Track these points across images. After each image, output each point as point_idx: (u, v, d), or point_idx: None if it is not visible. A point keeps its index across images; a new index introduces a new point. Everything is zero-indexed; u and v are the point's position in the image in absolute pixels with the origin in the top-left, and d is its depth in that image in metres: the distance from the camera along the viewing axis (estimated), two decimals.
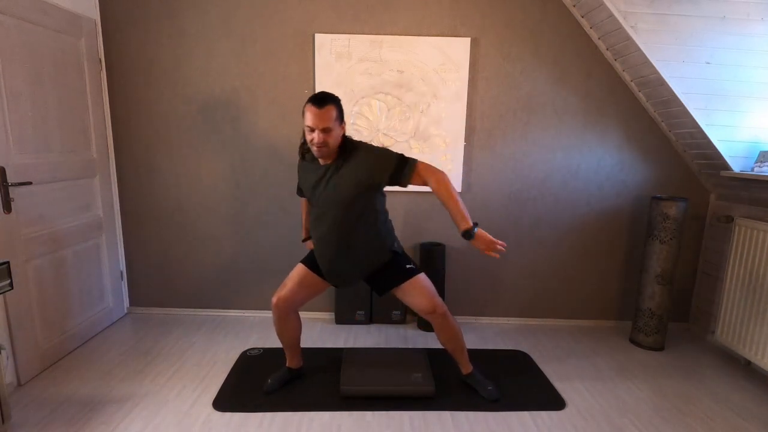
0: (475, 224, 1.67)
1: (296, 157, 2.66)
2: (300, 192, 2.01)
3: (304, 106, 1.67)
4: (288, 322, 1.94)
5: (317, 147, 1.66)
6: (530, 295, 2.85)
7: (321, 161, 1.77)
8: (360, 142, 1.78)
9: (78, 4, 2.37)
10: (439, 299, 1.88)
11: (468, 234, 1.67)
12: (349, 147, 1.75)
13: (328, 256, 1.83)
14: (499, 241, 1.66)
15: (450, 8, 2.52)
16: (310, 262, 1.93)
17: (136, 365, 2.23)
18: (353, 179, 1.71)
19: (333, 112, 1.65)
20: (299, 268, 1.93)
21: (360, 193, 1.73)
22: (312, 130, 1.64)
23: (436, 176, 1.69)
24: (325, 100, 1.64)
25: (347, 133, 1.81)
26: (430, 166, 1.72)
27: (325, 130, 1.64)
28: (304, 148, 1.84)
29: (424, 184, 1.72)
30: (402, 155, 1.72)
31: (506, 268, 2.81)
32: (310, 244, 2.11)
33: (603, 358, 2.41)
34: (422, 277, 1.89)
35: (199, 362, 2.27)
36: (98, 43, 2.52)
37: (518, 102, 2.62)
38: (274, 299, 1.89)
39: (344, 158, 1.74)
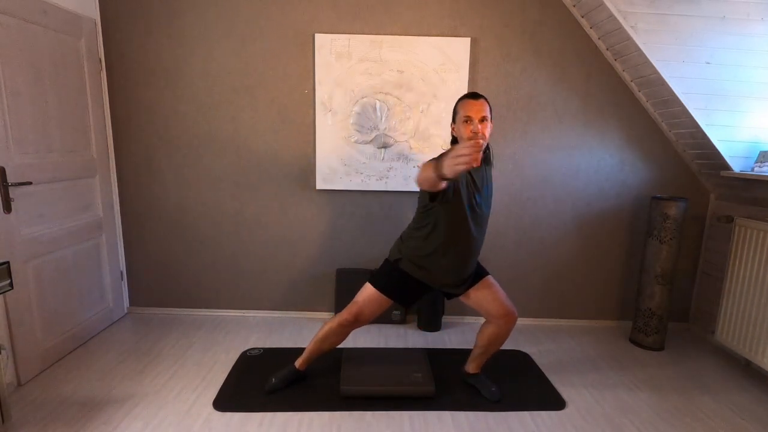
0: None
1: (296, 157, 2.67)
2: (449, 196, 1.67)
3: (456, 105, 1.72)
4: (344, 336, 1.95)
5: (477, 139, 1.63)
6: (530, 295, 2.85)
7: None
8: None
9: (78, 4, 2.37)
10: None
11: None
12: (489, 150, 1.81)
13: (465, 263, 1.81)
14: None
15: (450, 8, 2.52)
16: (389, 288, 1.86)
17: (136, 365, 2.23)
18: (492, 182, 1.82)
19: (487, 105, 1.69)
20: (378, 296, 1.86)
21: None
22: (469, 121, 1.66)
23: None
24: (479, 95, 1.70)
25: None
26: None
27: (483, 121, 1.66)
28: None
29: None
30: None
31: (506, 268, 2.81)
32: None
33: (603, 358, 2.41)
34: (492, 276, 1.93)
35: (199, 362, 2.27)
36: (98, 43, 2.52)
37: (518, 102, 2.62)
38: (351, 318, 1.87)
39: (488, 162, 1.81)
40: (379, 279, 1.88)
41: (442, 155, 1.56)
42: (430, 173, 1.42)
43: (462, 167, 1.27)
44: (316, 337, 1.98)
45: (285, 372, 2.05)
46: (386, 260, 1.91)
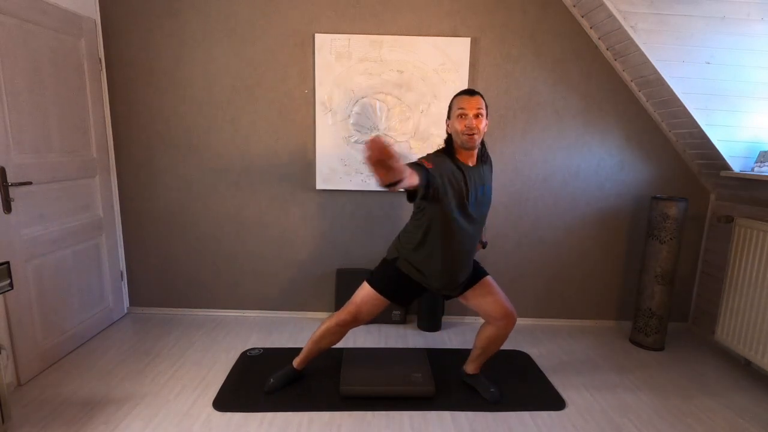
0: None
1: (296, 157, 2.67)
2: (426, 188, 1.59)
3: (452, 101, 1.71)
4: (341, 336, 1.95)
5: (469, 134, 1.64)
6: (530, 295, 2.85)
7: (468, 161, 1.72)
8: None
9: (78, 4, 2.36)
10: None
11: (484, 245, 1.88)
12: (485, 149, 1.79)
13: (463, 266, 1.79)
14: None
15: (450, 8, 2.52)
16: (385, 288, 1.84)
17: (136, 365, 2.23)
18: (491, 182, 1.81)
19: (482, 101, 1.68)
20: (374, 295, 1.84)
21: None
22: (464, 116, 1.65)
23: None
24: (474, 91, 1.70)
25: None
26: None
27: (477, 116, 1.65)
28: (450, 150, 1.72)
29: None
30: None
31: (506, 268, 2.81)
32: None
33: (603, 358, 2.41)
34: (491, 277, 1.92)
35: (199, 362, 2.27)
36: (98, 43, 2.52)
37: (518, 102, 2.62)
38: (348, 318, 1.87)
39: (484, 161, 1.78)
40: (376, 279, 1.86)
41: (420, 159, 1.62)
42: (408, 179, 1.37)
43: (376, 172, 1.19)
44: (313, 337, 1.98)
45: (283, 372, 2.06)
46: (384, 259, 1.90)
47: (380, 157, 1.14)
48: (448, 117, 1.73)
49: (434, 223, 1.70)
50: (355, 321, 1.88)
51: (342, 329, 1.91)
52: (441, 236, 1.71)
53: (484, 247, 2.05)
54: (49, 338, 2.19)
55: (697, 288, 2.80)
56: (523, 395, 2.02)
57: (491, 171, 1.86)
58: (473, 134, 1.65)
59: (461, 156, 1.72)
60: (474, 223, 1.75)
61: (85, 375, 2.12)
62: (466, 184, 1.68)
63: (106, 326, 2.65)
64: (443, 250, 1.73)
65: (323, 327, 1.94)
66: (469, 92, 1.69)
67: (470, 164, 1.73)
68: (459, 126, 1.66)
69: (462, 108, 1.65)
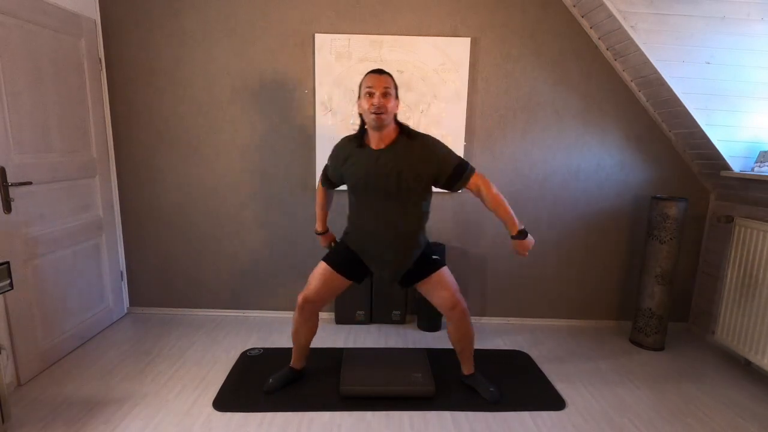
0: (525, 230, 1.79)
1: (296, 157, 2.67)
2: (327, 181, 1.99)
3: (361, 81, 1.70)
4: (311, 322, 1.95)
5: (376, 113, 1.63)
6: (530, 295, 2.85)
7: (374, 143, 1.72)
8: (425, 134, 1.77)
9: (78, 4, 2.36)
10: (461, 295, 1.89)
11: (522, 234, 1.78)
12: (409, 133, 1.73)
13: (378, 249, 1.81)
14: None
15: (450, 8, 2.52)
16: (333, 260, 1.89)
17: (136, 365, 2.23)
18: (414, 170, 1.70)
19: (391, 80, 1.68)
20: (323, 268, 1.88)
21: (419, 186, 1.72)
22: (371, 94, 1.63)
23: (490, 187, 1.75)
24: (383, 71, 1.69)
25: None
26: (484, 176, 1.78)
27: (385, 94, 1.63)
28: (361, 132, 1.79)
29: (478, 192, 1.76)
30: (462, 160, 1.75)
31: (506, 268, 2.81)
32: (324, 240, 2.12)
33: (603, 358, 2.41)
34: (446, 270, 1.91)
35: (199, 362, 2.27)
36: (98, 43, 2.52)
37: (518, 102, 2.62)
38: (300, 299, 1.88)
39: (404, 144, 1.71)
40: (329, 254, 1.93)
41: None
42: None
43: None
44: (291, 332, 2.00)
45: (282, 372, 2.06)
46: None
47: None
48: (358, 96, 1.71)
49: (349, 201, 1.89)
50: (307, 301, 1.87)
51: (303, 314, 1.90)
52: (351, 213, 1.88)
53: (520, 237, 1.77)
54: (49, 338, 2.19)
55: (697, 288, 2.80)
56: (523, 395, 2.02)
57: (430, 159, 1.71)
58: (381, 113, 1.63)
59: (370, 138, 1.73)
60: (374, 206, 1.75)
61: (85, 375, 2.12)
62: (361, 166, 1.74)
63: (106, 326, 2.65)
64: (363, 229, 1.84)
65: (293, 320, 1.96)
66: (378, 71, 1.68)
67: (374, 147, 1.72)
68: (366, 104, 1.65)
69: (370, 86, 1.64)
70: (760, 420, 1.90)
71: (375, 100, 1.62)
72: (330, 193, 2.08)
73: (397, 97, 1.70)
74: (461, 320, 1.90)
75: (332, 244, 2.14)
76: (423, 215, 1.82)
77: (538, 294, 2.85)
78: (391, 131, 1.72)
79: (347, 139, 1.85)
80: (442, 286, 1.86)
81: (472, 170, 1.76)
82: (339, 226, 2.75)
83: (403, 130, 1.75)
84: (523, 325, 2.83)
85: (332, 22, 2.53)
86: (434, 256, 1.90)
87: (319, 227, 2.12)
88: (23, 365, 2.03)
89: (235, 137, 2.65)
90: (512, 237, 1.79)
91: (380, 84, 1.63)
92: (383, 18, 2.53)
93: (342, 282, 1.90)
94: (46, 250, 2.16)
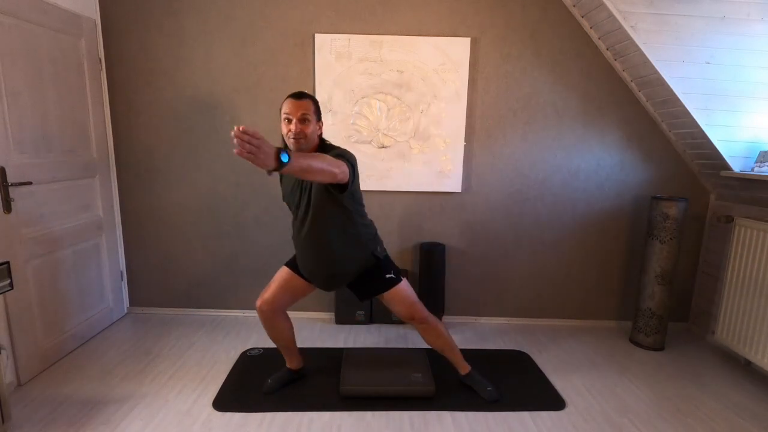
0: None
1: None
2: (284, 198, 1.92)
3: (282, 104, 1.66)
4: (276, 324, 1.94)
5: (294, 138, 1.62)
6: (530, 295, 2.85)
7: None
8: (335, 146, 1.74)
9: (78, 4, 2.36)
10: (418, 306, 1.89)
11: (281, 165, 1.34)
12: (326, 150, 1.71)
13: (308, 262, 1.82)
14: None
15: (450, 8, 2.52)
16: (294, 264, 1.93)
17: (136, 365, 2.23)
18: (321, 185, 1.66)
19: (311, 105, 1.65)
20: (283, 271, 1.92)
21: (330, 197, 1.67)
22: (289, 120, 1.62)
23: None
24: (303, 94, 1.66)
25: (336, 138, 1.81)
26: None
27: (303, 120, 1.61)
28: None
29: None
30: (346, 157, 1.62)
31: (506, 268, 2.81)
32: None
33: (603, 358, 2.41)
34: (402, 286, 1.87)
35: (199, 362, 2.27)
36: (98, 43, 2.52)
37: (518, 102, 2.62)
38: (258, 302, 1.89)
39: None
40: (292, 257, 1.95)
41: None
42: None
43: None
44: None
45: (280, 373, 2.07)
46: None
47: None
48: (281, 119, 1.68)
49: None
50: (263, 301, 1.88)
51: (261, 316, 1.91)
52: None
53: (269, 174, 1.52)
54: (49, 338, 2.19)
55: (697, 288, 2.80)
56: (523, 395, 2.02)
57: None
58: (298, 139, 1.62)
59: None
60: (300, 225, 1.75)
61: (85, 375, 2.12)
62: (288, 186, 1.78)
63: (106, 326, 2.65)
64: (292, 239, 1.85)
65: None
66: (297, 95, 1.65)
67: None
68: (284, 130, 1.65)
69: (287, 113, 1.62)
70: (760, 420, 1.90)
71: (293, 127, 1.61)
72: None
73: (319, 120, 1.68)
74: (425, 331, 1.94)
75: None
76: (351, 224, 1.75)
77: (538, 294, 2.85)
78: (312, 150, 1.70)
79: None
80: (397, 302, 1.88)
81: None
82: None
83: (323, 148, 1.72)
84: (523, 325, 2.83)
85: (332, 22, 2.53)
86: (388, 275, 1.86)
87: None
88: (23, 365, 2.03)
89: None
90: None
91: (297, 110, 1.61)
92: (383, 18, 2.53)
93: (303, 284, 1.90)
94: (46, 250, 2.16)
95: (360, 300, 1.95)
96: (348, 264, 1.81)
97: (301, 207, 1.73)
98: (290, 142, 1.65)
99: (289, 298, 1.92)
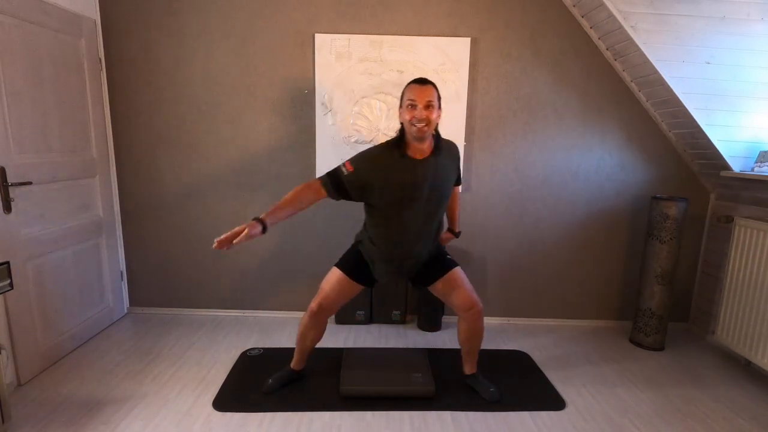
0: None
1: (296, 157, 2.67)
2: (337, 190, 1.70)
3: (403, 90, 1.68)
4: (320, 327, 1.96)
5: (419, 125, 1.61)
6: (530, 295, 2.85)
7: (416, 153, 1.69)
8: (442, 137, 1.80)
9: (78, 4, 2.36)
10: (476, 294, 1.92)
11: (457, 234, 2.10)
12: (441, 140, 1.77)
13: (411, 252, 1.81)
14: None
15: (450, 8, 2.52)
16: (347, 267, 1.89)
17: (136, 365, 2.22)
18: (450, 174, 1.80)
19: (434, 91, 1.66)
20: (339, 275, 1.88)
21: (449, 191, 1.83)
22: (413, 106, 1.61)
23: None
24: (426, 80, 1.67)
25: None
26: None
27: (428, 106, 1.61)
28: (400, 142, 1.70)
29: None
30: None
31: (506, 269, 2.81)
32: (251, 229, 1.54)
33: (603, 358, 2.41)
34: (460, 269, 1.92)
35: (199, 362, 2.27)
36: (98, 43, 2.52)
37: (518, 102, 2.62)
38: (315, 306, 1.88)
39: (441, 151, 1.74)
40: (342, 260, 1.93)
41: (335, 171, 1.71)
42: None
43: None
44: (298, 335, 1.99)
45: (282, 373, 2.06)
46: (352, 244, 1.97)
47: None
48: (400, 106, 1.70)
49: (375, 214, 1.78)
50: (321, 308, 1.89)
51: (314, 319, 1.92)
52: (380, 226, 1.79)
53: (456, 236, 2.13)
54: (49, 338, 2.18)
55: (697, 288, 2.80)
56: (523, 395, 2.02)
57: (455, 161, 1.85)
58: (423, 126, 1.61)
59: (411, 148, 1.70)
60: (417, 215, 1.75)
61: (85, 375, 2.12)
62: (408, 177, 1.68)
63: (106, 326, 2.65)
64: (382, 240, 1.80)
65: (301, 323, 1.96)
66: (420, 81, 1.66)
67: (418, 157, 1.70)
68: (407, 116, 1.63)
69: (412, 99, 1.62)
70: (759, 420, 1.90)
71: (417, 113, 1.60)
72: (316, 201, 1.74)
73: (440, 107, 1.70)
74: (477, 320, 1.91)
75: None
76: (443, 218, 1.90)
77: (538, 294, 2.85)
78: (430, 141, 1.72)
79: (385, 148, 1.71)
80: (458, 285, 1.88)
81: None
82: (339, 227, 2.75)
83: (437, 137, 1.76)
84: (523, 325, 2.83)
85: (332, 22, 2.53)
86: (448, 256, 1.94)
87: (269, 220, 1.59)
88: (23, 365, 2.03)
89: (235, 137, 2.65)
90: (452, 232, 2.10)
91: (423, 96, 1.61)
92: (383, 18, 2.53)
93: (355, 288, 1.92)
94: (46, 250, 2.16)
95: (418, 288, 1.97)
96: (435, 247, 1.91)
97: (433, 199, 1.75)
98: (413, 129, 1.63)
99: (343, 302, 1.95)
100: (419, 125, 1.61)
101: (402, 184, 1.68)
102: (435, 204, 1.76)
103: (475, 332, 1.95)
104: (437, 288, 1.91)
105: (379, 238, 1.81)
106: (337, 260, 1.95)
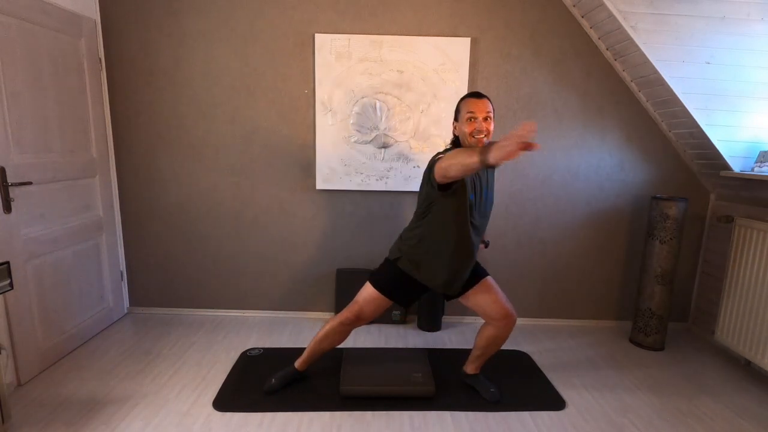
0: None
1: (296, 157, 2.67)
2: (451, 189, 1.67)
3: (459, 103, 1.74)
4: (345, 336, 1.96)
5: (478, 137, 1.67)
6: (530, 295, 2.85)
7: None
8: None
9: (78, 4, 2.36)
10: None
11: (486, 244, 2.07)
12: None
13: (473, 258, 1.82)
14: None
15: (450, 8, 2.52)
16: (386, 288, 1.86)
17: (136, 365, 2.22)
18: (494, 184, 1.86)
19: (490, 105, 1.71)
20: (375, 294, 1.87)
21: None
22: (474, 119, 1.67)
23: None
24: (482, 95, 1.73)
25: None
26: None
27: (486, 119, 1.68)
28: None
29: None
30: None
31: (506, 269, 2.81)
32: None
33: (603, 358, 2.41)
34: (491, 277, 1.94)
35: (199, 362, 2.27)
36: (98, 43, 2.52)
37: (518, 102, 2.62)
38: (352, 316, 1.89)
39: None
40: (379, 279, 1.88)
41: (464, 149, 1.59)
42: (473, 159, 1.37)
43: (510, 154, 1.23)
44: (317, 337, 1.98)
45: (284, 372, 2.05)
46: (386, 259, 1.91)
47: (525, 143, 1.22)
48: (456, 119, 1.76)
49: (444, 221, 1.72)
50: (358, 320, 1.91)
51: (346, 328, 1.93)
52: (451, 233, 1.73)
53: (486, 246, 2.10)
54: (49, 338, 2.18)
55: (697, 288, 2.80)
56: (523, 395, 2.02)
57: (494, 172, 1.90)
58: (482, 137, 1.68)
59: None
60: (479, 223, 1.79)
61: (85, 375, 2.12)
62: (479, 185, 1.74)
63: (106, 326, 2.65)
64: (452, 247, 1.75)
65: (327, 327, 1.95)
66: (477, 95, 1.72)
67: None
68: (468, 129, 1.69)
69: (471, 111, 1.68)
70: (760, 420, 1.90)
71: (477, 125, 1.67)
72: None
73: (493, 120, 1.75)
74: (509, 329, 1.91)
75: None
76: None
77: (538, 294, 2.85)
78: None
79: None
80: (492, 293, 1.89)
81: None
82: (339, 227, 2.75)
83: None
84: (523, 326, 2.83)
85: (332, 22, 2.53)
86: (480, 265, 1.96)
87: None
88: (23, 365, 2.03)
89: (235, 137, 2.65)
90: (482, 242, 2.07)
91: (482, 109, 1.68)
92: (383, 18, 2.53)
93: (388, 306, 1.93)
94: (46, 250, 2.16)
95: (450, 299, 1.94)
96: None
97: (487, 204, 1.81)
98: (472, 140, 1.69)
99: (377, 317, 1.97)
100: (479, 137, 1.68)
101: (473, 186, 1.73)
102: (488, 210, 1.83)
103: (500, 340, 1.94)
104: (471, 296, 1.90)
105: (447, 246, 1.76)
106: (371, 275, 1.93)
